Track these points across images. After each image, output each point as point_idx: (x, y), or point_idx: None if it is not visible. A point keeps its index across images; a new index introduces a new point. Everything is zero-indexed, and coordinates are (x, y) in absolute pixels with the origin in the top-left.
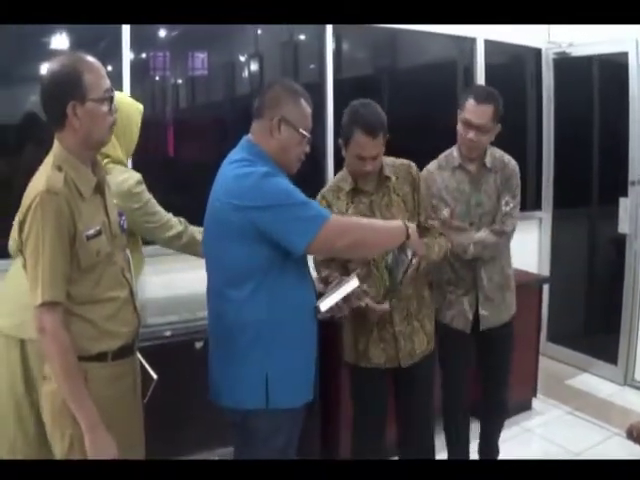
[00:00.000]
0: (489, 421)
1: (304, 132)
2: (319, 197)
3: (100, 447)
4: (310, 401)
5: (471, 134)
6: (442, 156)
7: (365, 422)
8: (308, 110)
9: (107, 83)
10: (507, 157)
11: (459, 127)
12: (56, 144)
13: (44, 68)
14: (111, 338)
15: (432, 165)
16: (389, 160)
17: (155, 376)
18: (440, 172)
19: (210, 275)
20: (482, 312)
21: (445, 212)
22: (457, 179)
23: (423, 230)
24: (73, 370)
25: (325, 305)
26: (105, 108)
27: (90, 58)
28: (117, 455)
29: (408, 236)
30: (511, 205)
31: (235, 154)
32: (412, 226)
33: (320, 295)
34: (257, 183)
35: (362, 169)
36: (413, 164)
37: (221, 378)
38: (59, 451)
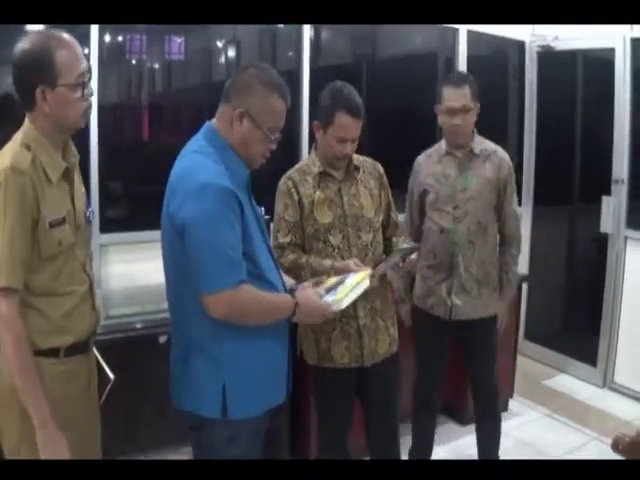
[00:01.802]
0: (481, 429)
1: (268, 131)
2: (285, 178)
3: (51, 444)
4: (278, 405)
5: (456, 119)
6: (431, 148)
7: (331, 423)
8: (280, 107)
9: (82, 66)
10: (499, 148)
11: (442, 119)
12: (27, 122)
13: (16, 47)
14: (64, 334)
15: (421, 156)
16: (355, 156)
17: (112, 376)
18: (427, 160)
19: (165, 269)
20: (455, 301)
21: (430, 196)
22: (444, 165)
23: (394, 228)
24: (27, 361)
25: (345, 303)
26: (77, 94)
27: (65, 37)
28: (68, 454)
29: (294, 313)
30: (516, 203)
31: (194, 142)
32: (302, 304)
33: (292, 291)
34: (193, 194)
35: (343, 152)
36: (378, 163)
37: (180, 380)
38: (7, 447)
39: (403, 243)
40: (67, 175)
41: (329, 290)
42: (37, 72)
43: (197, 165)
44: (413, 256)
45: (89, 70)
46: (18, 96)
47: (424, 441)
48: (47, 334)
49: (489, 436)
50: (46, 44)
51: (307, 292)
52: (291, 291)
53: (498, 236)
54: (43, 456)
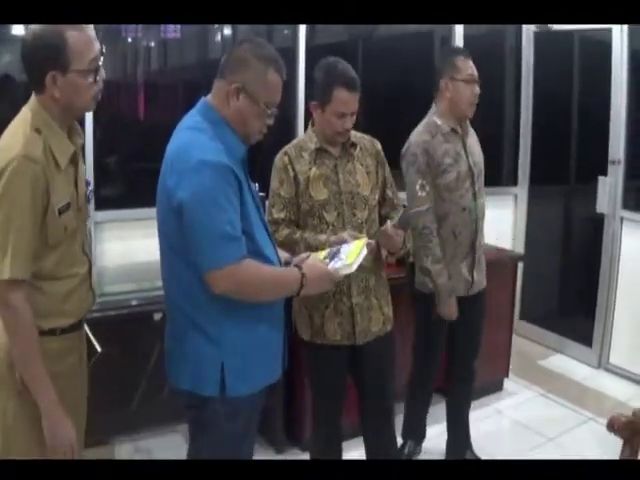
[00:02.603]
0: (457, 390)
1: (264, 106)
2: (281, 153)
3: (57, 428)
4: (274, 381)
5: (476, 88)
6: (425, 125)
7: (324, 399)
8: (276, 81)
9: (94, 50)
10: None
11: (457, 90)
12: (35, 103)
13: (20, 29)
14: (64, 315)
15: (421, 136)
16: (353, 132)
17: (99, 349)
18: (434, 140)
19: (160, 247)
20: (475, 276)
21: (449, 176)
22: (452, 143)
23: (390, 206)
24: (33, 348)
25: (354, 267)
26: (90, 79)
27: None
28: (74, 436)
29: (302, 286)
30: None
31: (189, 118)
32: (309, 273)
33: (287, 264)
34: (190, 171)
35: (343, 126)
36: (376, 140)
37: (176, 358)
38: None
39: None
40: (74, 158)
41: (328, 259)
42: (48, 57)
43: (192, 141)
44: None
45: (102, 53)
46: (27, 78)
47: (419, 418)
48: (48, 316)
49: (465, 398)
50: (58, 27)
51: (310, 262)
52: (286, 264)
53: None
54: (50, 440)
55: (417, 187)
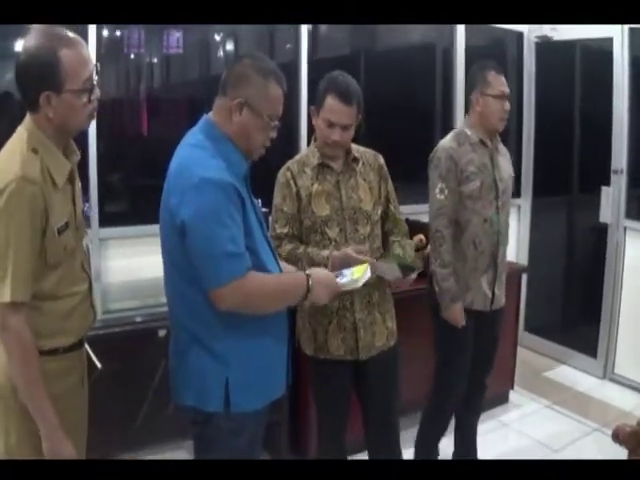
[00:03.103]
0: (467, 405)
1: (268, 118)
2: (284, 169)
3: (58, 451)
4: (278, 397)
5: (507, 105)
6: (454, 134)
7: (328, 415)
8: (277, 93)
9: (89, 69)
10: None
11: (487, 104)
12: (30, 123)
13: (20, 45)
14: (65, 335)
15: (449, 142)
16: (355, 147)
17: (99, 365)
18: (461, 148)
19: (164, 264)
20: (496, 291)
21: (472, 185)
22: (479, 154)
23: (393, 221)
24: (34, 372)
25: (360, 283)
26: (84, 99)
27: (71, 36)
28: (75, 458)
29: (308, 290)
30: None
31: (192, 136)
32: (315, 277)
33: None
34: (192, 189)
35: (331, 137)
36: (380, 155)
37: (180, 375)
38: (2, 449)
39: (402, 249)
40: (71, 176)
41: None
42: (42, 77)
43: (194, 160)
44: (413, 275)
45: (96, 72)
46: (21, 97)
47: (433, 443)
48: (49, 336)
49: (471, 431)
50: (52, 46)
51: (317, 269)
52: None
53: None
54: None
55: (437, 190)
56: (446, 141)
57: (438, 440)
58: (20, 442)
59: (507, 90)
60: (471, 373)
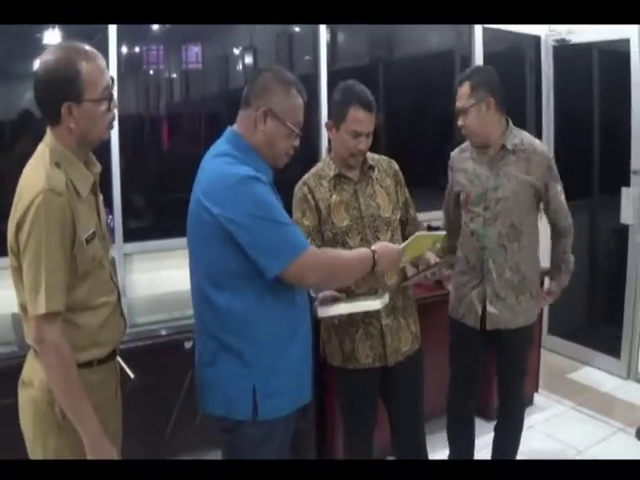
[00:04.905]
0: (499, 427)
1: (292, 126)
2: (300, 183)
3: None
4: (305, 404)
5: (460, 120)
6: (466, 142)
7: (356, 423)
8: (299, 102)
9: (106, 79)
10: (537, 142)
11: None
12: (51, 138)
13: (38, 61)
14: (100, 346)
15: (455, 151)
16: (370, 155)
17: (132, 375)
18: (460, 156)
19: (192, 275)
20: (490, 309)
21: (462, 195)
22: (476, 162)
23: (414, 225)
24: (74, 382)
25: (326, 312)
26: (103, 107)
27: (88, 49)
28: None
29: (375, 263)
30: (563, 196)
31: (218, 147)
32: (380, 251)
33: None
34: (234, 188)
35: (357, 147)
36: (393, 161)
37: (208, 385)
38: (40, 456)
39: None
40: (93, 187)
41: None
42: (62, 88)
43: (226, 166)
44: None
45: (113, 82)
46: (42, 112)
47: (463, 453)
48: (84, 348)
49: (506, 443)
50: (70, 58)
51: (382, 243)
52: None
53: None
54: None
55: (446, 192)
56: (460, 147)
57: (464, 439)
58: (58, 455)
59: (457, 104)
60: (498, 388)
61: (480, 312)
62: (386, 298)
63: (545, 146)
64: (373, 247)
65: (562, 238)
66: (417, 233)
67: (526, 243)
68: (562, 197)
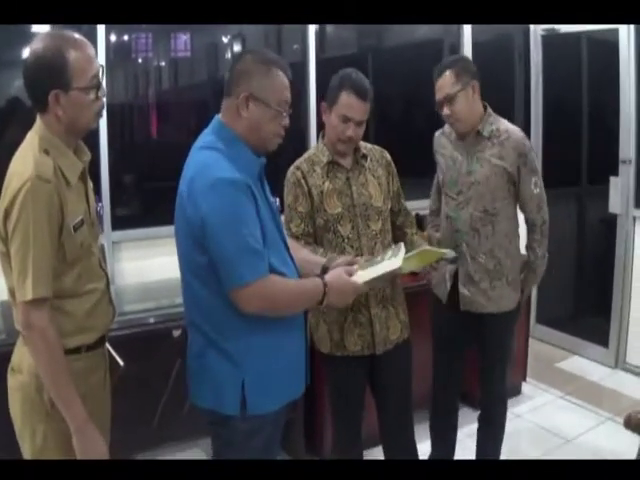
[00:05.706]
0: (481, 418)
1: (277, 107)
2: (293, 168)
3: (90, 447)
4: (296, 398)
5: (445, 110)
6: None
7: (345, 411)
8: (282, 80)
9: (95, 67)
10: (514, 128)
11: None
12: (40, 125)
13: (27, 49)
14: (88, 332)
15: (437, 133)
16: (363, 143)
17: (122, 363)
18: (440, 138)
19: (180, 265)
20: (462, 290)
21: (440, 179)
22: (454, 146)
23: (405, 215)
24: (61, 368)
25: (363, 277)
26: (91, 96)
27: (77, 37)
28: (106, 453)
29: (324, 298)
30: (538, 189)
31: (204, 137)
32: (333, 284)
33: (325, 268)
34: (211, 192)
35: (345, 133)
36: (385, 151)
37: (198, 378)
38: (29, 449)
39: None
40: (82, 175)
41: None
42: (50, 76)
43: (208, 161)
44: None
45: (102, 70)
46: (30, 99)
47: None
48: (72, 334)
49: (487, 440)
50: (58, 46)
51: (335, 272)
52: (324, 269)
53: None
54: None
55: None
56: (442, 128)
57: (449, 425)
58: (46, 442)
59: (437, 96)
60: (479, 379)
61: (449, 287)
62: (402, 252)
63: (521, 133)
64: (328, 278)
65: (529, 233)
66: (424, 247)
67: (501, 229)
68: (536, 189)
